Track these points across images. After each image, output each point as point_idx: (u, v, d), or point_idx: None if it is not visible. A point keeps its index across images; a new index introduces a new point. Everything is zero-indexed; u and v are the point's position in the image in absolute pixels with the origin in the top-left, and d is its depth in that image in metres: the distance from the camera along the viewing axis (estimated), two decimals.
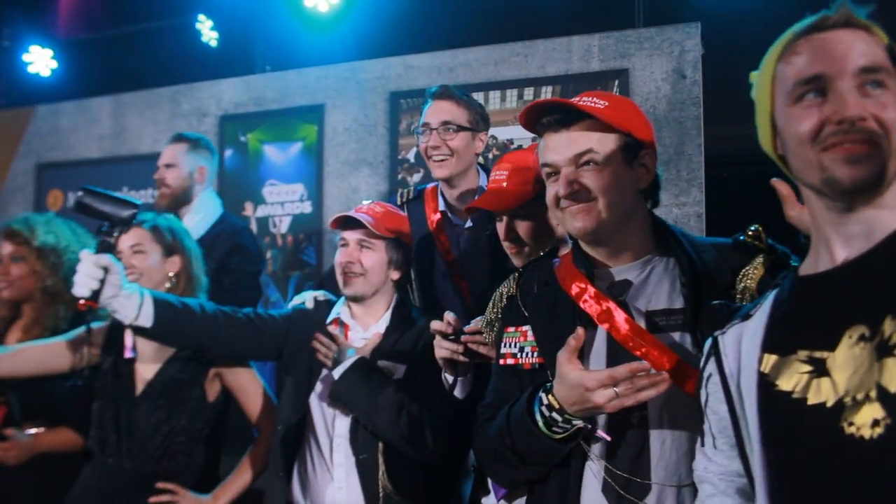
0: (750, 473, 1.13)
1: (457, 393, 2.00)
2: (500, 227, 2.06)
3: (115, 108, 5.00)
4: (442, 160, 2.52)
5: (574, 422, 1.44)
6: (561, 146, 1.53)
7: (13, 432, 2.44)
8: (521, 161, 2.05)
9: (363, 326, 2.34)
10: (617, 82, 3.82)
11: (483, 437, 1.66)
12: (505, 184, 2.01)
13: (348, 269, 2.29)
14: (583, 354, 1.49)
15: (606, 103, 1.52)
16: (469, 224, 2.61)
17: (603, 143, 1.50)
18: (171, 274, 2.43)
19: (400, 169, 4.21)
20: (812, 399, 1.01)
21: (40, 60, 5.51)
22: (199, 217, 3.27)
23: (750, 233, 1.51)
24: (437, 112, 2.54)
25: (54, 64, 5.54)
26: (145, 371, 2.37)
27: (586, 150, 1.50)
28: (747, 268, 1.49)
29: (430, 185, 2.74)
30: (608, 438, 1.47)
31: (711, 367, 1.22)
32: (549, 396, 1.45)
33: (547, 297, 1.63)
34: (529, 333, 1.63)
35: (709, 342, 1.24)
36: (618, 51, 3.86)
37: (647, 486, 1.44)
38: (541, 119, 1.57)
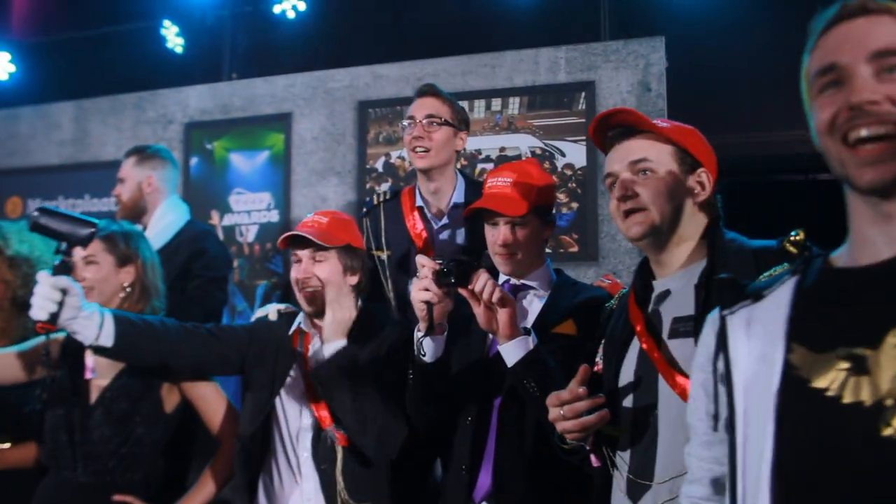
0: (734, 462, 1.09)
1: (426, 354, 1.99)
2: (495, 232, 2.09)
3: (76, 114, 4.91)
4: (424, 151, 2.62)
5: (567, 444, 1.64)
6: (620, 156, 1.65)
7: None
8: (524, 172, 2.12)
9: (325, 336, 2.33)
10: (583, 94, 3.87)
11: None
12: (510, 190, 2.07)
13: (305, 285, 2.28)
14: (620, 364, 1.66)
15: (670, 125, 1.67)
16: (444, 222, 2.69)
17: (659, 154, 1.62)
18: (125, 284, 2.39)
19: (368, 178, 4.21)
20: (848, 397, 0.97)
21: None
22: (162, 225, 3.24)
23: (791, 238, 1.52)
24: (423, 107, 2.67)
25: (12, 68, 5.42)
26: (100, 380, 2.31)
27: (641, 159, 1.62)
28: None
29: (405, 187, 2.81)
30: (595, 464, 1.67)
31: (716, 347, 1.18)
32: None
33: (618, 310, 1.77)
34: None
35: (716, 321, 1.20)
36: (584, 63, 3.91)
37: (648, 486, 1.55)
38: (607, 134, 1.69)
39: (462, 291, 1.91)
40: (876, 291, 1.02)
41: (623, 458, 1.62)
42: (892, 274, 1.02)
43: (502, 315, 1.87)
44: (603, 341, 1.79)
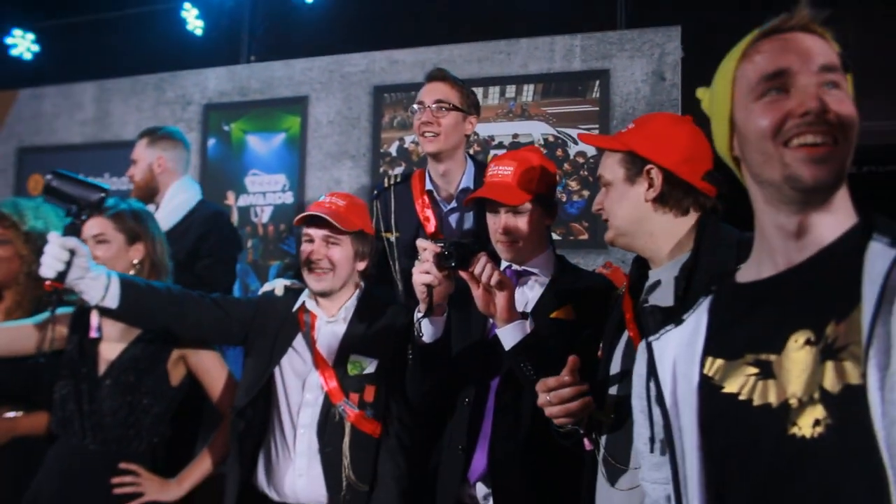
0: (677, 479, 1.14)
1: (425, 335, 2.04)
2: (496, 220, 2.12)
3: (98, 94, 4.99)
4: (433, 136, 2.64)
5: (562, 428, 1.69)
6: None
7: None
8: (526, 160, 2.14)
9: (327, 314, 2.37)
10: (598, 83, 3.87)
11: None
12: (511, 179, 2.09)
13: (316, 266, 2.31)
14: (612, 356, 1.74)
15: (626, 129, 1.77)
16: (452, 206, 2.72)
17: (610, 166, 1.73)
18: (135, 261, 2.43)
19: (382, 162, 4.24)
20: (757, 400, 1.03)
21: (22, 44, 5.49)
22: (173, 205, 3.29)
23: None
24: (432, 91, 2.68)
25: (36, 48, 5.52)
26: (109, 352, 2.37)
27: (600, 176, 1.77)
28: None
29: (415, 171, 2.84)
30: (587, 448, 1.74)
31: (647, 373, 1.24)
32: None
33: (621, 299, 1.81)
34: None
35: (644, 349, 1.26)
36: (599, 51, 3.91)
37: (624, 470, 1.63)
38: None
39: (462, 274, 1.94)
40: (778, 299, 1.08)
41: (604, 443, 1.68)
42: (792, 281, 1.07)
43: (500, 298, 1.89)
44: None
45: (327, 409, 2.27)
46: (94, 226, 2.36)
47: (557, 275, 2.17)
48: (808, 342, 1.01)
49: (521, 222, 2.10)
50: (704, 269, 1.53)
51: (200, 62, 4.79)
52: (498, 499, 2.02)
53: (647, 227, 1.68)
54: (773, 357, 1.04)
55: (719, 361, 1.11)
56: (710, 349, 1.13)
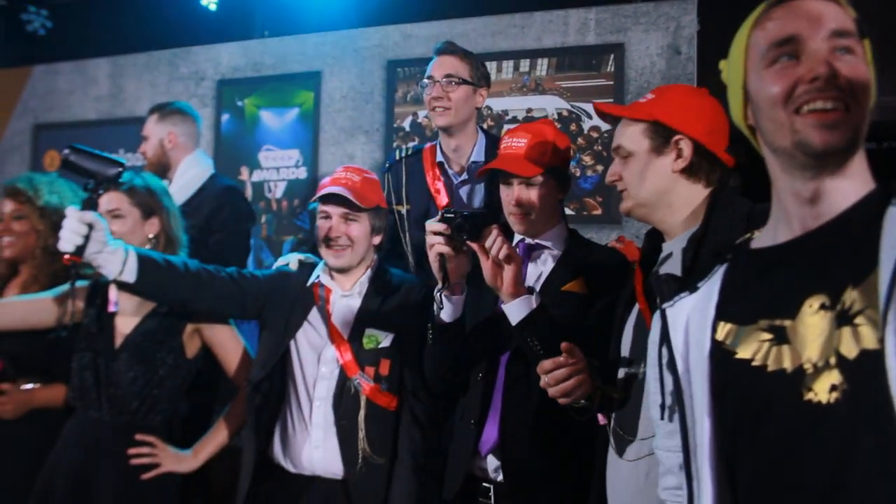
0: (687, 446, 1.14)
1: (444, 314, 2.05)
2: (509, 192, 2.13)
3: (112, 70, 4.99)
4: (443, 110, 2.65)
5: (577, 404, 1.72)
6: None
7: (10, 387, 2.49)
8: (540, 133, 2.14)
9: (342, 288, 2.39)
10: (612, 56, 3.83)
11: None
12: (524, 151, 2.10)
13: (335, 243, 2.32)
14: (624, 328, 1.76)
15: (646, 100, 1.75)
16: (463, 178, 2.73)
17: (631, 136, 1.71)
18: (150, 236, 2.45)
19: (395, 137, 4.23)
20: (772, 366, 1.03)
21: (36, 20, 5.48)
22: (185, 180, 3.31)
23: None
24: (442, 65, 2.69)
25: (50, 24, 5.51)
26: (125, 325, 2.40)
27: (617, 147, 1.73)
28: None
29: (428, 144, 2.85)
30: (602, 422, 1.77)
31: (660, 340, 1.24)
32: None
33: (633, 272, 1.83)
34: None
35: (658, 316, 1.26)
36: (614, 25, 3.86)
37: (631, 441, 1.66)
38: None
39: (472, 245, 1.94)
40: (792, 264, 1.07)
41: (614, 413, 1.70)
42: (806, 246, 1.07)
43: (507, 272, 1.90)
44: None
45: (343, 382, 2.29)
46: (109, 201, 2.37)
47: (570, 248, 2.17)
48: (822, 307, 1.00)
49: (534, 194, 2.09)
50: (712, 240, 1.53)
51: (214, 37, 4.78)
52: (508, 470, 2.04)
53: (668, 199, 1.68)
54: (787, 322, 1.03)
55: (731, 327, 1.10)
56: (723, 314, 1.12)
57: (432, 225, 1.99)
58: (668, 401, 1.25)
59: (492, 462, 2.07)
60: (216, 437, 2.45)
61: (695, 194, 1.68)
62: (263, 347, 2.40)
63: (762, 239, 1.17)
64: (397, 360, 2.32)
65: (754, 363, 1.05)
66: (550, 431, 2.00)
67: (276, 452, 2.35)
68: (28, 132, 5.21)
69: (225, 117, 4.63)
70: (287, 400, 2.36)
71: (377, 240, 2.41)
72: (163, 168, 3.33)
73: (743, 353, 1.07)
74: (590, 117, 3.84)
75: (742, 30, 1.15)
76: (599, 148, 3.82)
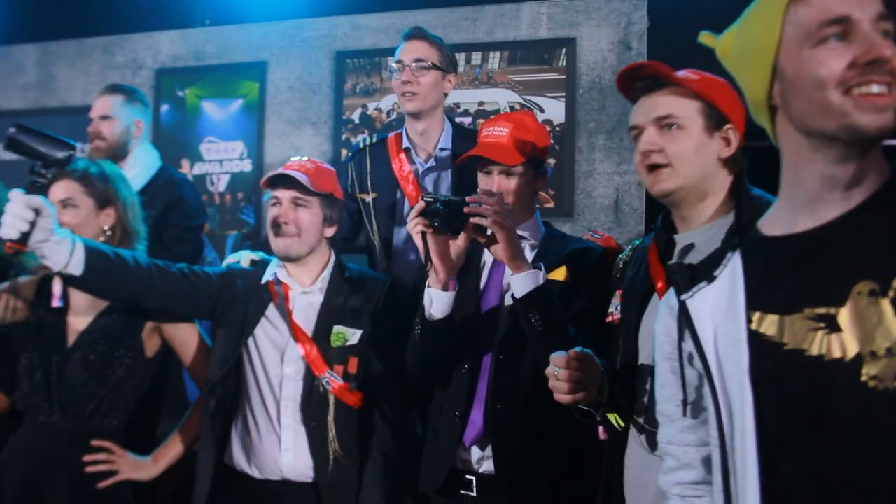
0: (723, 439, 1.11)
1: (434, 309, 2.01)
2: (488, 181, 2.11)
3: (41, 58, 4.75)
4: (412, 95, 2.63)
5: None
6: (646, 109, 1.64)
7: None
8: (522, 123, 2.15)
9: (301, 284, 2.32)
10: (564, 51, 3.84)
11: None
12: (505, 140, 2.09)
13: (282, 230, 2.25)
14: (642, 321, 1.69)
15: (698, 77, 1.64)
16: (430, 164, 2.71)
17: (685, 110, 1.60)
18: (105, 227, 2.31)
19: (344, 129, 4.15)
20: (828, 355, 1.01)
21: None
22: (136, 171, 3.14)
23: None
24: (411, 51, 2.68)
25: None
26: (78, 322, 2.26)
27: (668, 115, 1.61)
28: None
29: (392, 133, 2.81)
30: (602, 437, 1.79)
31: (679, 332, 1.22)
32: None
33: (637, 262, 1.78)
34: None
35: (674, 307, 1.23)
36: (566, 20, 3.88)
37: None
38: (634, 85, 1.68)
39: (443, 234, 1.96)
40: (833, 250, 1.05)
41: (641, 410, 1.66)
42: (846, 233, 1.06)
43: (502, 243, 1.91)
44: (619, 293, 1.82)
45: (310, 381, 2.22)
46: (60, 189, 2.23)
47: (547, 239, 2.18)
48: (872, 293, 1.00)
49: (513, 184, 2.10)
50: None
51: (152, 25, 4.59)
52: (498, 459, 2.01)
53: (707, 185, 1.63)
54: (835, 310, 1.02)
55: (771, 316, 1.08)
56: (756, 304, 1.10)
57: (414, 210, 1.97)
58: (691, 395, 1.22)
59: (476, 453, 2.05)
60: (178, 443, 2.33)
61: (726, 185, 1.65)
62: (219, 347, 2.31)
63: (773, 225, 1.15)
64: (364, 357, 2.26)
65: (808, 353, 1.03)
66: (540, 418, 1.98)
67: (236, 458, 2.25)
68: None
69: (164, 108, 4.46)
70: (247, 402, 2.26)
71: (330, 231, 2.34)
72: (116, 155, 3.14)
73: (793, 343, 1.04)
74: (542, 111, 3.85)
75: (771, 4, 1.10)
76: (552, 141, 3.83)
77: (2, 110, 4.78)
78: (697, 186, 1.62)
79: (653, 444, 1.60)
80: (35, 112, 4.69)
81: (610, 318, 1.81)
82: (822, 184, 1.08)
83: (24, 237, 1.90)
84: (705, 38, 1.26)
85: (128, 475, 2.23)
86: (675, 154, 1.60)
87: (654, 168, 1.62)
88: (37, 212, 1.91)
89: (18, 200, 1.89)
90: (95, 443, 2.21)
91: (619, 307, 1.80)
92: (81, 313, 2.27)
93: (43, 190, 2.00)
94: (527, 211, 2.16)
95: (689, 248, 1.64)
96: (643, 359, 1.66)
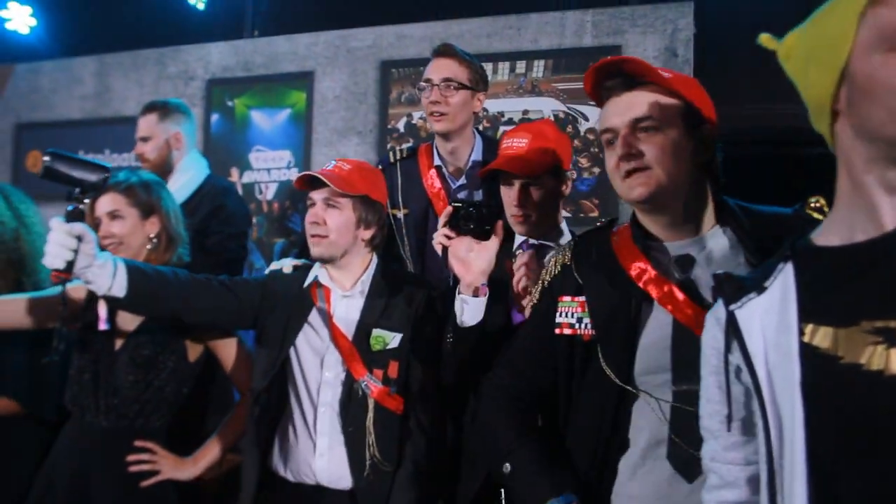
0: (772, 458, 1.06)
1: (465, 316, 1.97)
2: (510, 193, 2.09)
3: (98, 69, 4.91)
4: (441, 115, 2.58)
5: None
6: (620, 110, 1.49)
7: None
8: (541, 132, 2.12)
9: (341, 288, 2.30)
10: None
11: (488, 422, 1.78)
12: (525, 151, 2.07)
13: (313, 231, 2.22)
14: (638, 332, 1.52)
15: (672, 75, 1.50)
16: (462, 182, 2.66)
17: (663, 110, 1.46)
18: (151, 235, 2.37)
19: (389, 138, 4.19)
20: (890, 370, 0.96)
21: (18, 17, 5.36)
22: (183, 181, 3.22)
23: (812, 204, 1.47)
24: (440, 69, 2.61)
25: (33, 21, 5.40)
26: (125, 326, 2.32)
27: (646, 116, 1.46)
28: None
29: (422, 144, 2.78)
30: None
31: (727, 343, 1.16)
32: None
33: (604, 268, 1.62)
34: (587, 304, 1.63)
35: (721, 318, 1.16)
36: (611, 27, 3.86)
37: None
38: (604, 84, 1.53)
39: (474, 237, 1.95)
40: (891, 263, 1.01)
41: (676, 430, 1.49)
42: None
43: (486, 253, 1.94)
44: (581, 302, 1.64)
45: (349, 385, 2.21)
46: (107, 202, 2.30)
47: None
48: None
49: (535, 194, 2.08)
50: (751, 244, 1.46)
51: (203, 37, 4.72)
52: None
53: (689, 192, 1.50)
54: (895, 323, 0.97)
55: (826, 329, 1.03)
56: (810, 316, 1.05)
57: (442, 217, 1.97)
58: (738, 411, 1.18)
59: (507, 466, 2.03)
60: (217, 445, 2.37)
61: (702, 190, 1.53)
62: (262, 355, 2.30)
63: (829, 236, 1.10)
64: (405, 361, 2.26)
65: (868, 367, 0.98)
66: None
67: (275, 462, 2.27)
68: (10, 132, 5.11)
69: (215, 117, 4.57)
70: (288, 408, 2.27)
71: (367, 234, 2.27)
72: (165, 170, 3.22)
73: (850, 357, 1.00)
74: (586, 119, 3.83)
75: (848, 4, 1.04)
76: (596, 150, 3.80)
77: (62, 120, 4.95)
78: (677, 191, 1.48)
79: (691, 473, 1.46)
80: (91, 122, 4.85)
81: (572, 332, 1.63)
82: (883, 192, 1.04)
83: (70, 265, 1.92)
84: (765, 39, 1.18)
85: (169, 475, 2.27)
86: (654, 156, 1.46)
87: (632, 172, 1.47)
88: (79, 238, 1.93)
89: (60, 229, 1.90)
90: (139, 443, 2.25)
91: (585, 319, 1.62)
92: (129, 318, 2.33)
93: (82, 216, 1.99)
94: (551, 220, 2.14)
95: (687, 259, 1.53)
96: (664, 376, 1.52)
